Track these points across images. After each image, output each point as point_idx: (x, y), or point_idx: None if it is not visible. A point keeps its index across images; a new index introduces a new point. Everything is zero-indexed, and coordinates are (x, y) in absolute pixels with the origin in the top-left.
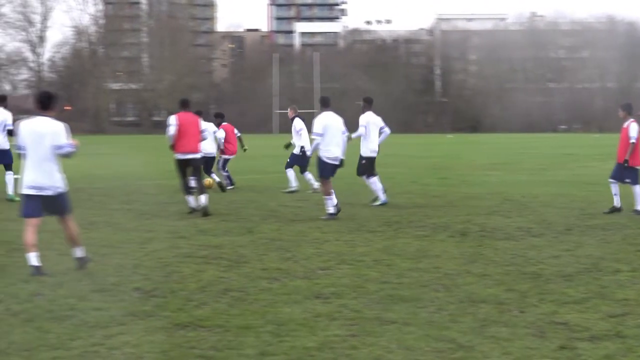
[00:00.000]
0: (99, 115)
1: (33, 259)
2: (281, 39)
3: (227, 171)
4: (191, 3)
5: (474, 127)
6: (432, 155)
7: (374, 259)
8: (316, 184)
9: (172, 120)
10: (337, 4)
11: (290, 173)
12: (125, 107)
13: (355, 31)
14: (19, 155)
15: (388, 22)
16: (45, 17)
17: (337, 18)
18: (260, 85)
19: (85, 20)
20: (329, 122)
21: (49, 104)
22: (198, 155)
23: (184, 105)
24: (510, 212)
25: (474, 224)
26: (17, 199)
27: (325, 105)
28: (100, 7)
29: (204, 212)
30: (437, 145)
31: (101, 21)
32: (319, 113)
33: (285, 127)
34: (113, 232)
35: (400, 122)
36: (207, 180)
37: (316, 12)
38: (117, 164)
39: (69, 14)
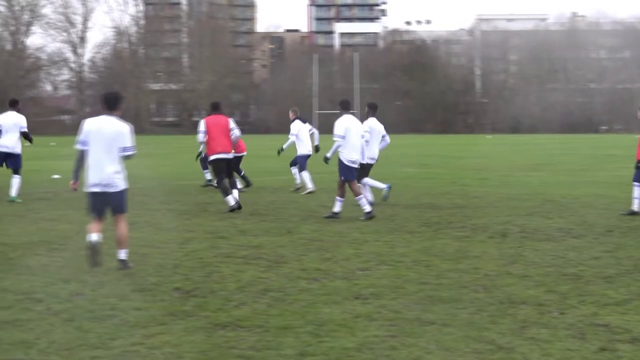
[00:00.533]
0: (139, 116)
1: (94, 235)
2: (321, 40)
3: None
4: (231, 4)
5: (515, 127)
6: (472, 156)
7: (413, 259)
8: (298, 180)
9: (201, 126)
10: (377, 5)
11: (305, 175)
12: (165, 108)
13: (395, 32)
14: (79, 151)
15: (428, 22)
16: (86, 18)
17: (377, 18)
18: (300, 86)
19: (126, 21)
20: (350, 125)
21: (115, 104)
22: (230, 155)
23: (215, 108)
24: (551, 213)
25: (514, 225)
26: (19, 200)
27: (346, 108)
28: (141, 7)
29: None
30: (476, 145)
31: (141, 22)
32: (339, 116)
33: (326, 128)
34: (153, 232)
35: (440, 122)
36: None
37: (356, 12)
38: (158, 164)
39: (109, 15)
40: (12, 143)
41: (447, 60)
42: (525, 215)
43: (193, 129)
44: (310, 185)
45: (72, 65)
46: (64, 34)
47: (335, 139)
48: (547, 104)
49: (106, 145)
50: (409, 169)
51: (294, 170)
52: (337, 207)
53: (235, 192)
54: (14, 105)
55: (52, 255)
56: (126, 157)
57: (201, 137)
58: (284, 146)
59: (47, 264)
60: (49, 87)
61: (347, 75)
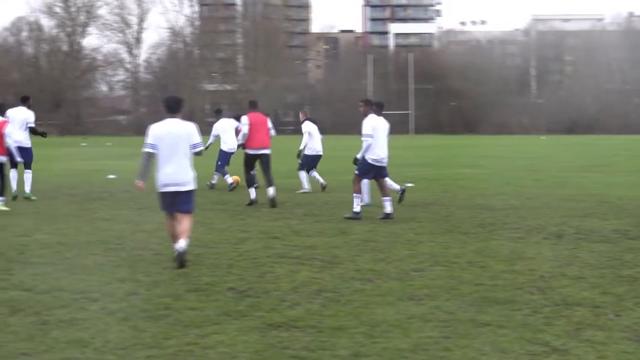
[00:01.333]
0: (194, 116)
1: (179, 246)
2: (375, 40)
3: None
4: (286, 4)
5: (570, 128)
6: (527, 157)
7: (467, 260)
8: (321, 180)
9: (244, 120)
10: (431, 5)
11: (302, 175)
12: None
13: (450, 32)
14: (147, 153)
15: (483, 22)
16: (141, 19)
17: (432, 19)
18: (354, 87)
19: (181, 22)
20: (377, 124)
21: (177, 107)
22: (268, 151)
23: (253, 105)
24: (607, 215)
25: (569, 226)
26: (34, 197)
27: (370, 108)
28: (196, 8)
29: (272, 203)
30: (531, 146)
31: (197, 22)
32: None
33: None
34: (207, 232)
35: (494, 123)
36: (236, 178)
37: (411, 13)
38: (212, 164)
39: (164, 16)
40: (21, 137)
41: (502, 61)
42: (580, 217)
43: None
44: (306, 186)
45: (128, 65)
46: (120, 34)
47: (364, 139)
48: (603, 104)
49: (176, 146)
50: (464, 169)
51: (313, 173)
52: (387, 208)
53: (271, 190)
54: (25, 101)
55: (107, 255)
56: (197, 154)
57: (245, 129)
58: (302, 147)
59: (103, 263)
60: (104, 88)
61: (401, 75)
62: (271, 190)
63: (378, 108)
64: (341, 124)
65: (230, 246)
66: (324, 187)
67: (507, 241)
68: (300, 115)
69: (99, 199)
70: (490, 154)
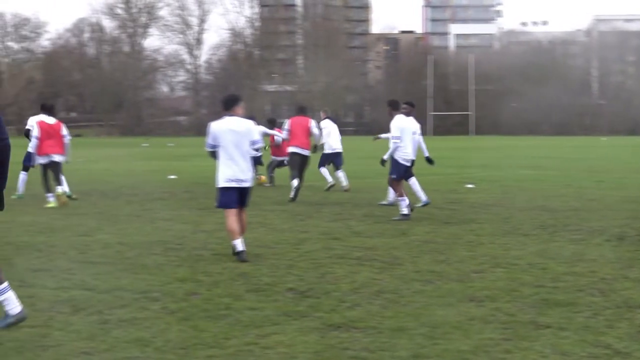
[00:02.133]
0: (254, 117)
1: (239, 245)
2: (436, 41)
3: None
4: (346, 5)
5: (633, 129)
6: (588, 158)
7: (528, 262)
8: (330, 179)
9: (286, 125)
10: (492, 6)
11: (323, 170)
12: (280, 109)
13: (511, 33)
14: (210, 153)
15: (544, 23)
16: (202, 20)
17: (493, 19)
18: (414, 87)
19: (242, 23)
20: (405, 125)
21: (231, 104)
22: (306, 152)
23: (300, 110)
24: None
25: (631, 228)
26: (16, 197)
27: (396, 108)
28: (256, 9)
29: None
30: (592, 147)
31: (257, 24)
32: (390, 116)
33: (440, 129)
34: (267, 233)
35: (555, 124)
36: (261, 177)
37: (471, 13)
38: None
39: (225, 17)
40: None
41: (563, 62)
42: None
43: None
44: (329, 180)
45: (188, 66)
46: (181, 35)
47: (393, 140)
48: None
49: (238, 143)
50: (524, 170)
51: (339, 173)
52: (391, 197)
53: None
54: (50, 109)
55: (168, 255)
56: (256, 150)
57: (285, 134)
58: (318, 143)
59: (163, 263)
60: (165, 89)
61: (461, 76)
62: (296, 182)
63: (410, 107)
64: None
65: (290, 247)
66: (329, 188)
67: (568, 243)
68: (322, 114)
69: (160, 199)
70: (551, 155)
